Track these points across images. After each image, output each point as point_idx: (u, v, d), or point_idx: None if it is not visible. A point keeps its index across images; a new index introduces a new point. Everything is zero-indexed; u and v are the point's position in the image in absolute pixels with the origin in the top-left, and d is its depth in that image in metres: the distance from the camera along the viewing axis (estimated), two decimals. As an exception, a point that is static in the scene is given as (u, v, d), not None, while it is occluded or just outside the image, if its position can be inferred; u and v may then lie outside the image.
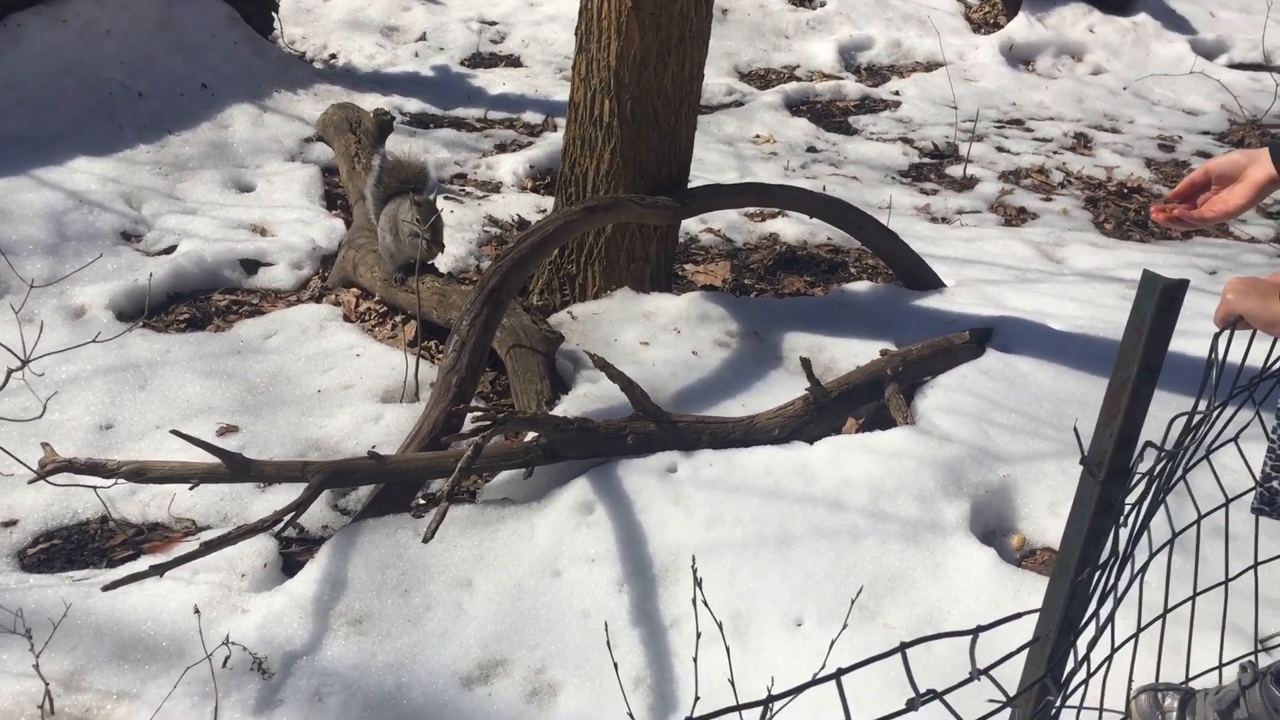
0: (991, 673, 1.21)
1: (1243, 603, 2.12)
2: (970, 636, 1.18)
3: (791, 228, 4.55)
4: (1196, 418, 1.73)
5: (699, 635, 1.93)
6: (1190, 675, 2.09)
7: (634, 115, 3.23)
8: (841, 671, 1.05)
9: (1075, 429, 1.71)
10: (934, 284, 3.87)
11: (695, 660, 1.93)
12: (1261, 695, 1.86)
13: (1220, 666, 2.10)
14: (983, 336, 3.31)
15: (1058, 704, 1.73)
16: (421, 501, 2.65)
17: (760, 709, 1.03)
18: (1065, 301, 3.80)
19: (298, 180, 4.51)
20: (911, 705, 1.20)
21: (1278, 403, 1.76)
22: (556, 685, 2.10)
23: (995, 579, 2.37)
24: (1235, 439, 1.98)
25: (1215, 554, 2.16)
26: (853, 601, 2.18)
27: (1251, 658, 2.01)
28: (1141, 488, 1.66)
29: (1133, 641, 1.98)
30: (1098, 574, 1.62)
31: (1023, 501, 2.67)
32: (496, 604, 2.24)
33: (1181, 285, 1.47)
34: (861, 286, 3.83)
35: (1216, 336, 1.71)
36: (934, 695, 1.23)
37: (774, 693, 1.12)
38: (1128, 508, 1.70)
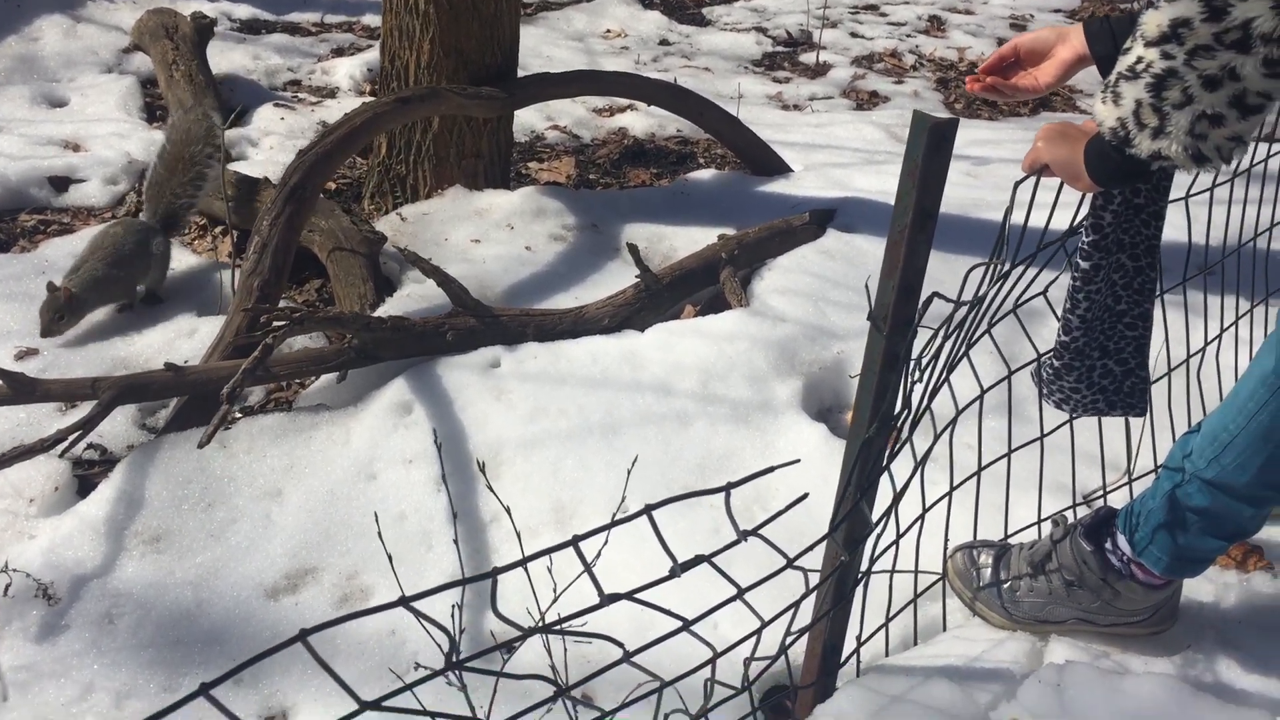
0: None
1: (1064, 459, 2.13)
2: (724, 493, 1.13)
3: (640, 121, 4.43)
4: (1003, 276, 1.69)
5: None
6: (1009, 533, 2.10)
7: (451, 1, 3.06)
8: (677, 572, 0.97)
9: (866, 285, 1.66)
10: (781, 169, 3.81)
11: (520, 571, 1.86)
12: (1071, 548, 1.87)
13: (1039, 522, 2.11)
14: (824, 217, 3.26)
15: (860, 567, 1.70)
16: (238, 415, 2.52)
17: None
18: (910, 180, 3.77)
19: (114, 93, 4.23)
20: (673, 572, 1.15)
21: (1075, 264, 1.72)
22: (369, 589, 2.02)
23: (825, 453, 2.34)
24: (1044, 292, 1.96)
25: (1035, 413, 2.16)
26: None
27: (1065, 513, 2.02)
28: (939, 341, 1.63)
29: (947, 502, 1.98)
30: (896, 432, 1.59)
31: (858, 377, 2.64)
32: (308, 512, 2.14)
33: (951, 124, 1.41)
34: (706, 175, 3.75)
35: (1017, 185, 1.66)
36: (701, 559, 1.18)
37: (595, 575, 1.05)
38: (927, 363, 1.66)
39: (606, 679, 1.89)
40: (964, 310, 1.61)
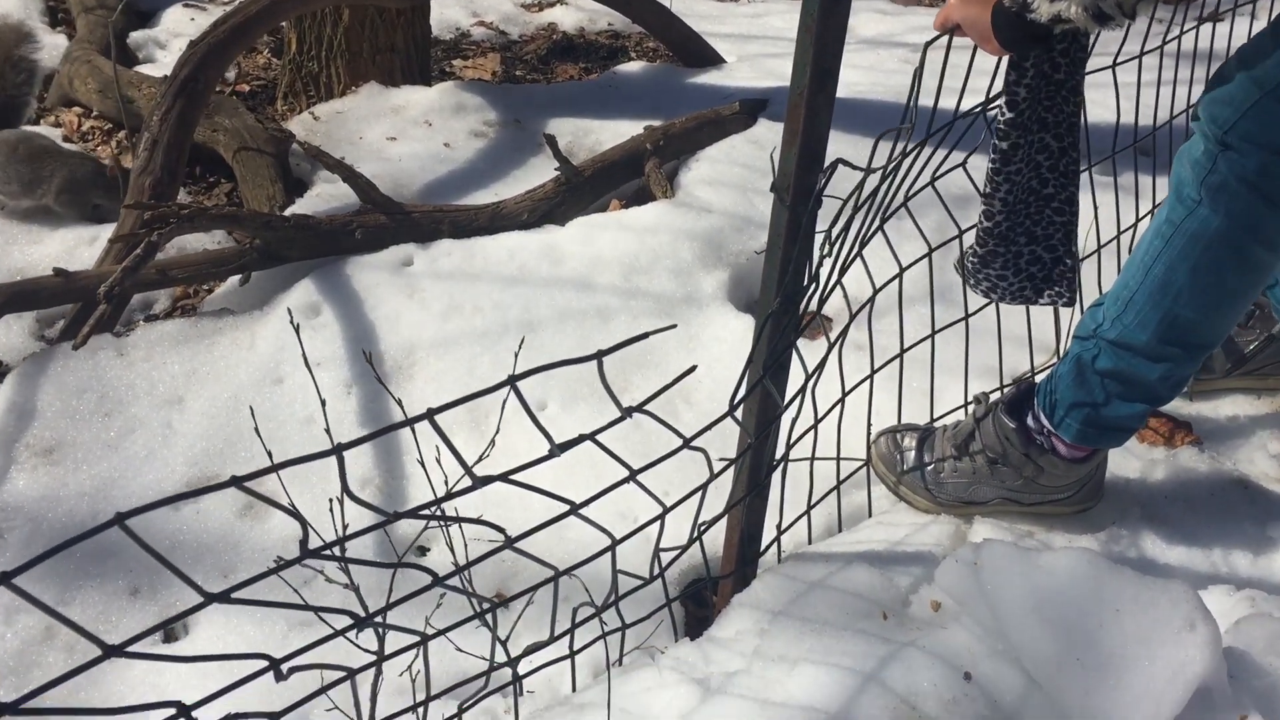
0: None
1: (991, 341, 2.07)
2: (597, 361, 1.06)
3: (570, 16, 4.27)
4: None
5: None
6: (935, 417, 2.05)
7: (355, -118, 2.90)
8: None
9: (770, 157, 1.57)
10: (713, 60, 3.69)
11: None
12: (994, 425, 1.83)
13: (966, 405, 2.06)
14: (756, 107, 3.16)
15: (777, 452, 1.65)
16: (141, 323, 2.41)
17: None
18: (847, 70, 3.64)
19: (13, -6, 4.01)
20: (551, 452, 1.08)
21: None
22: (273, 495, 1.94)
23: (748, 339, 2.28)
24: (963, 164, 1.88)
25: (960, 297, 2.10)
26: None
27: (985, 391, 1.97)
28: (849, 212, 1.55)
29: (868, 387, 1.92)
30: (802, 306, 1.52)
31: (786, 267, 2.57)
32: (210, 419, 2.05)
33: (847, -22, 1.32)
34: (635, 67, 3.62)
35: (927, 45, 1.57)
36: (584, 438, 1.11)
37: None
38: (837, 235, 1.58)
39: (522, 579, 1.84)
40: (875, 181, 1.53)
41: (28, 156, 2.58)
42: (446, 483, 1.65)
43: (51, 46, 3.70)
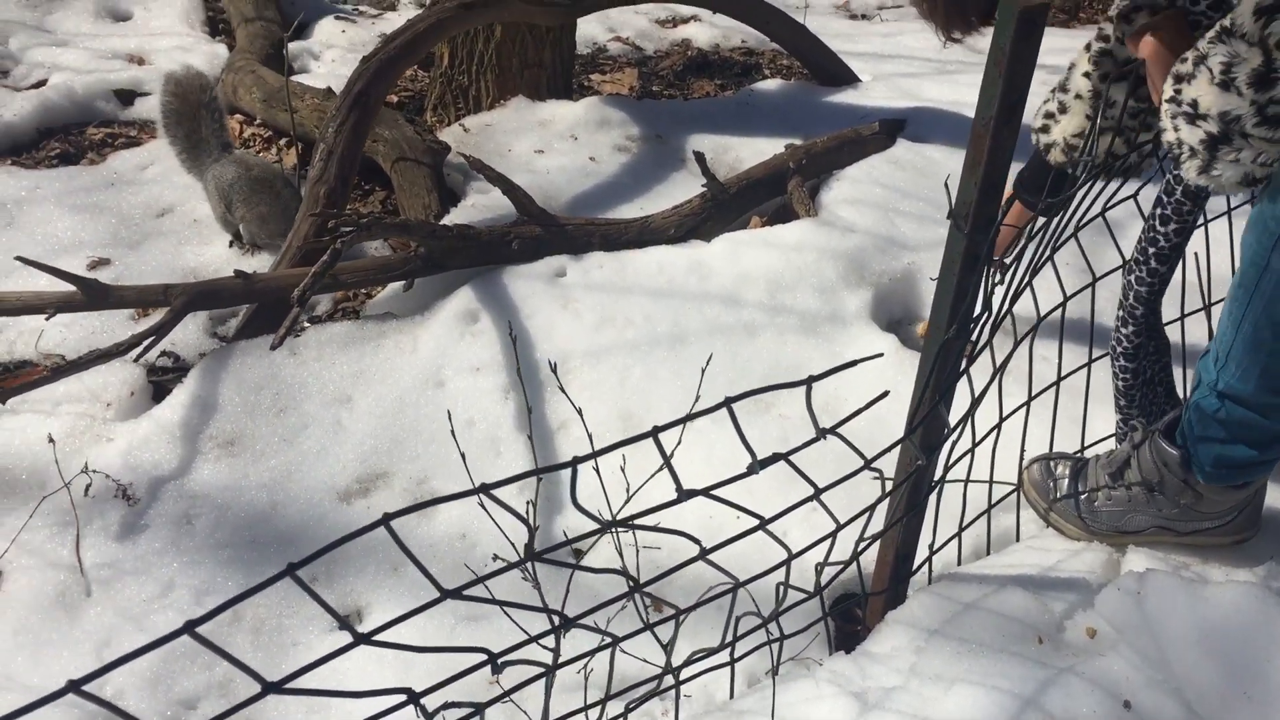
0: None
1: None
2: (805, 388, 1.11)
3: (704, 32, 4.34)
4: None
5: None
6: (1086, 444, 2.06)
7: (513, -95, 2.99)
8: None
9: (945, 184, 1.61)
10: (848, 79, 3.72)
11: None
12: (1151, 451, 1.83)
13: (1118, 434, 2.07)
14: (894, 128, 3.18)
15: (935, 474, 1.68)
16: (306, 324, 2.53)
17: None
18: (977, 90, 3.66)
19: (176, 5, 4.22)
20: (751, 469, 1.13)
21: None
22: (438, 494, 2.03)
23: (896, 365, 2.30)
24: (1134, 195, 1.89)
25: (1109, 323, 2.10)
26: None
27: (1140, 419, 1.97)
28: (1023, 242, 1.57)
29: (1024, 414, 1.94)
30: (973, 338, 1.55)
31: (929, 288, 2.59)
32: (377, 418, 2.16)
33: (1042, 9, 1.34)
34: (772, 85, 3.66)
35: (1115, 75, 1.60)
36: (778, 457, 1.16)
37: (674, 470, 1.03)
38: (1010, 264, 1.61)
39: (675, 585, 1.89)
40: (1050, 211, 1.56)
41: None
42: (604, 488, 1.71)
43: (212, 55, 3.90)
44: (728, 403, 1.06)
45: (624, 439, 1.02)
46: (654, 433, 1.05)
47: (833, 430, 1.18)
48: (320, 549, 0.88)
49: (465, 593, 1.04)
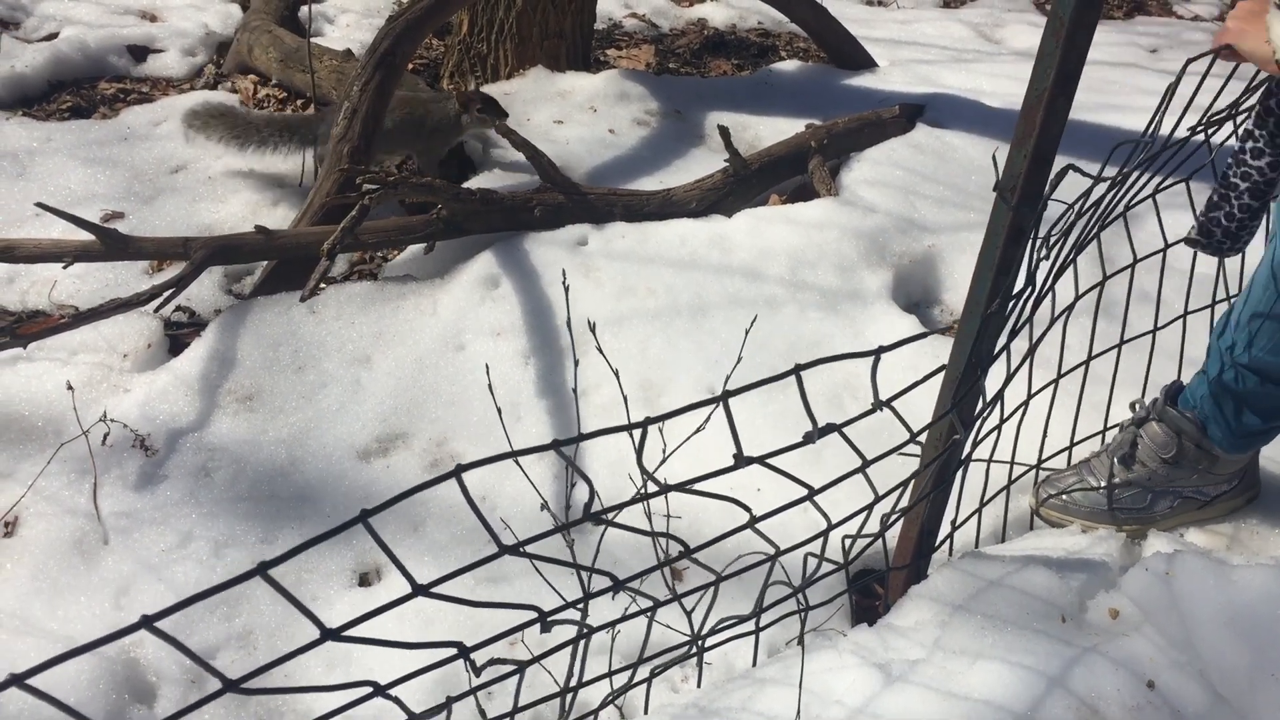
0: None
1: (1168, 363, 2.07)
2: (874, 357, 1.10)
3: (720, 12, 4.32)
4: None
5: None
6: (1108, 426, 2.06)
7: None
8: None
9: (994, 157, 1.60)
10: (866, 63, 3.71)
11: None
12: (1163, 423, 1.84)
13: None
14: (914, 112, 3.18)
15: (966, 447, 1.67)
16: (324, 287, 2.51)
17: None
18: (1001, 79, 3.66)
19: (190, -36, 4.18)
20: (808, 438, 1.12)
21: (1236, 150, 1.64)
22: (458, 456, 2.02)
23: (916, 344, 2.30)
24: (1188, 180, 1.87)
25: (1144, 317, 2.10)
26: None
27: (1136, 400, 1.97)
28: (1071, 217, 1.56)
29: (1049, 395, 1.93)
30: (1011, 312, 1.54)
31: (948, 271, 2.59)
32: (396, 379, 2.14)
33: (1104, -20, 1.34)
34: (790, 66, 3.65)
35: (1189, 61, 1.58)
36: (832, 428, 1.16)
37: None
38: (1056, 240, 1.60)
39: (699, 556, 1.89)
40: (1102, 188, 1.55)
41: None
42: (639, 460, 1.70)
43: (225, 15, 3.86)
44: (797, 370, 1.06)
45: (692, 403, 1.02)
46: (724, 398, 1.05)
47: (887, 403, 1.18)
48: (391, 498, 0.88)
49: (523, 550, 1.03)
